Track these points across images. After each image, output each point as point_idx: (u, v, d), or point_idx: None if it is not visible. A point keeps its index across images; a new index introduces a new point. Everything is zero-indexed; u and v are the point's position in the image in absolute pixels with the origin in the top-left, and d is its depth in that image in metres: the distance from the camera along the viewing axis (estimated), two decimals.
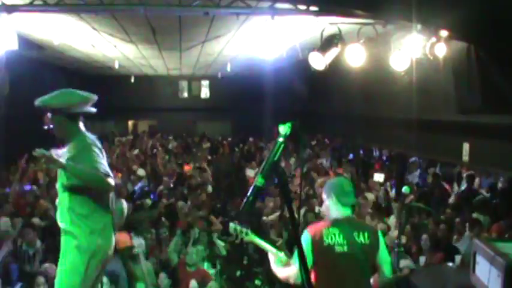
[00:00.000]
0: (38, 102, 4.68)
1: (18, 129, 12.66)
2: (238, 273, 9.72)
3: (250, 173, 14.99)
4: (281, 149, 2.98)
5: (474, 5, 5.71)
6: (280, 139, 2.99)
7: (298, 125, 2.98)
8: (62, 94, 4.75)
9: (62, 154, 4.66)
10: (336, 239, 4.42)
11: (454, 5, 5.92)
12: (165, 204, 11.36)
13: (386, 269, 4.63)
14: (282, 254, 4.64)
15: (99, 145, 4.78)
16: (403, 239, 8.76)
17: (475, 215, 9.58)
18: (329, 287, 4.48)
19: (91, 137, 4.80)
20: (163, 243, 9.58)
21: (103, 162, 4.61)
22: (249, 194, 3.00)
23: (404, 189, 7.11)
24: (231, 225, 4.53)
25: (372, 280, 4.68)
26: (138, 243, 8.92)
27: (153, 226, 10.01)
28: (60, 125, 4.72)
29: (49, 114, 4.71)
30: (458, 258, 7.84)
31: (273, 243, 4.82)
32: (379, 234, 4.64)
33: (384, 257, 4.61)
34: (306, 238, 4.45)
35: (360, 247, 4.44)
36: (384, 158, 17.34)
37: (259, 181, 2.97)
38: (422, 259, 8.26)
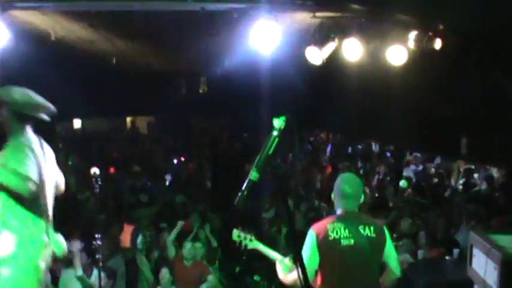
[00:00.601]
0: None
1: None
2: (237, 269, 9.73)
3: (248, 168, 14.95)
4: (275, 142, 2.97)
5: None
6: (275, 133, 2.97)
7: (293, 119, 2.97)
8: (17, 91, 4.60)
9: None
10: (341, 233, 4.36)
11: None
12: (164, 202, 11.36)
13: (394, 265, 4.56)
14: (287, 260, 4.57)
15: (36, 148, 4.55)
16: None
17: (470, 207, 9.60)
18: (336, 283, 4.42)
19: (32, 139, 4.58)
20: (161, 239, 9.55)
21: (30, 166, 4.35)
22: (243, 188, 2.99)
23: (402, 183, 7.13)
24: (235, 232, 4.47)
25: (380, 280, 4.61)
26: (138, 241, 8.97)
27: (152, 224, 9.99)
28: (5, 120, 4.52)
29: None
30: (456, 251, 7.87)
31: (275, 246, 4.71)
32: (385, 229, 4.58)
33: (391, 253, 4.55)
34: (310, 236, 4.40)
35: (366, 240, 4.38)
36: (388, 154, 17.24)
37: (253, 175, 2.96)
38: (420, 253, 8.28)
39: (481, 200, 10.55)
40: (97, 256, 7.33)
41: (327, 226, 4.40)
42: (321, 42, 7.50)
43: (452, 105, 8.99)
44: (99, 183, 7.09)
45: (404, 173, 13.67)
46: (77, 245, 7.79)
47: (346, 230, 4.37)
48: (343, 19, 7.69)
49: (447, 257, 7.85)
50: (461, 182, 12.88)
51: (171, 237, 8.89)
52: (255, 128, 22.03)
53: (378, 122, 13.02)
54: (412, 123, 10.21)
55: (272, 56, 8.71)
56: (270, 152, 2.96)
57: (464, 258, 5.43)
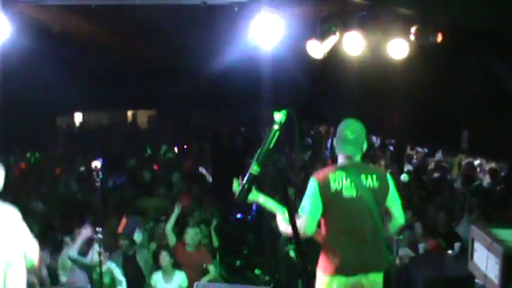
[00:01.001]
0: None
1: (13, 121, 12.60)
2: (238, 262, 9.74)
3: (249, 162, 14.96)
4: (276, 136, 2.96)
5: None
6: (276, 126, 2.97)
7: (294, 113, 2.97)
8: None
9: None
10: (343, 184, 4.30)
11: None
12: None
13: (397, 212, 4.53)
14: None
15: None
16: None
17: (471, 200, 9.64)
18: (340, 234, 4.39)
19: None
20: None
21: None
22: (244, 182, 2.98)
23: (403, 177, 7.09)
24: (235, 182, 4.30)
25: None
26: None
27: (157, 217, 9.94)
28: None
29: None
30: (457, 245, 7.87)
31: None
32: (388, 176, 4.54)
33: (394, 200, 4.50)
34: (312, 184, 4.35)
35: (369, 191, 4.33)
36: (391, 148, 17.17)
37: (254, 169, 2.96)
38: (421, 247, 8.27)
39: (483, 193, 10.58)
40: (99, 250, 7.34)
41: (329, 175, 4.33)
42: (322, 35, 7.46)
43: (453, 100, 8.99)
44: (100, 177, 7.04)
45: (406, 168, 13.68)
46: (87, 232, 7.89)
47: (348, 180, 4.31)
48: (345, 13, 7.67)
49: (449, 251, 7.84)
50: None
51: (169, 225, 8.76)
52: (256, 121, 22.08)
53: (379, 115, 13.02)
54: (413, 117, 10.21)
55: (273, 49, 8.69)
56: (271, 146, 2.96)
57: (466, 252, 5.43)
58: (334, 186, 4.30)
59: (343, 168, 4.41)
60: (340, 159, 4.49)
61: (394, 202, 4.50)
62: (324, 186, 4.31)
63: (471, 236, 4.98)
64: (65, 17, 10.08)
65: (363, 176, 4.36)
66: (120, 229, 9.18)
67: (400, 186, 7.88)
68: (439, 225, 8.75)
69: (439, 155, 15.53)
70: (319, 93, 16.61)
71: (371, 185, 4.35)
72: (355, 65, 9.33)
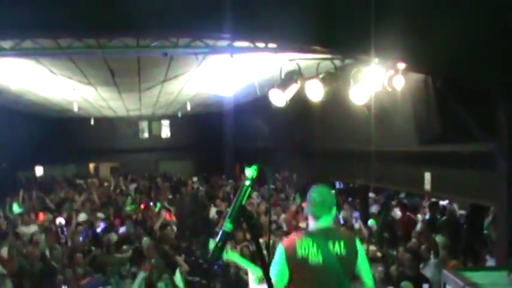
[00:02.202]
0: None
1: None
2: None
3: (213, 211, 14.92)
4: (248, 192, 2.94)
5: (429, 38, 5.82)
6: (247, 182, 2.95)
7: (265, 167, 2.96)
8: None
9: None
10: (309, 251, 4.30)
11: (410, 39, 6.01)
12: (133, 248, 11.13)
13: (366, 278, 4.50)
14: (260, 272, 4.48)
15: None
16: None
17: (438, 238, 9.72)
18: None
19: None
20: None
21: None
22: (217, 240, 2.94)
23: (370, 222, 7.11)
24: (211, 242, 4.31)
25: None
26: None
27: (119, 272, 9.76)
28: None
29: None
30: (426, 286, 7.89)
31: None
32: (357, 242, 4.52)
33: (363, 266, 4.48)
34: (280, 251, 4.36)
35: (336, 258, 4.32)
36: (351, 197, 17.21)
37: (227, 226, 2.92)
38: None
39: (445, 228, 10.73)
40: None
41: (296, 242, 4.34)
42: (283, 84, 7.53)
43: (414, 140, 9.09)
44: (65, 233, 6.93)
45: (371, 210, 13.75)
46: None
47: (315, 247, 4.31)
48: (305, 60, 7.76)
49: None
50: (426, 216, 12.98)
51: (135, 284, 8.65)
52: (219, 169, 22.09)
53: (340, 159, 13.11)
54: (375, 160, 10.27)
55: (235, 97, 8.72)
56: (244, 202, 2.94)
57: None
58: (300, 253, 4.31)
59: (311, 234, 4.43)
60: (310, 223, 4.53)
61: (363, 268, 4.51)
62: (291, 253, 4.32)
63: (443, 280, 4.98)
64: (23, 69, 10.03)
65: (330, 243, 4.37)
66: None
67: (369, 231, 7.97)
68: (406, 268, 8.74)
69: (402, 196, 15.70)
70: (281, 139, 16.69)
71: (338, 252, 4.36)
72: (316, 110, 9.41)
